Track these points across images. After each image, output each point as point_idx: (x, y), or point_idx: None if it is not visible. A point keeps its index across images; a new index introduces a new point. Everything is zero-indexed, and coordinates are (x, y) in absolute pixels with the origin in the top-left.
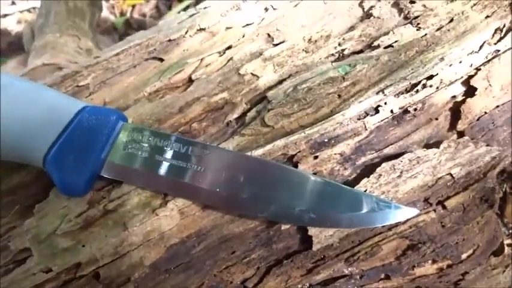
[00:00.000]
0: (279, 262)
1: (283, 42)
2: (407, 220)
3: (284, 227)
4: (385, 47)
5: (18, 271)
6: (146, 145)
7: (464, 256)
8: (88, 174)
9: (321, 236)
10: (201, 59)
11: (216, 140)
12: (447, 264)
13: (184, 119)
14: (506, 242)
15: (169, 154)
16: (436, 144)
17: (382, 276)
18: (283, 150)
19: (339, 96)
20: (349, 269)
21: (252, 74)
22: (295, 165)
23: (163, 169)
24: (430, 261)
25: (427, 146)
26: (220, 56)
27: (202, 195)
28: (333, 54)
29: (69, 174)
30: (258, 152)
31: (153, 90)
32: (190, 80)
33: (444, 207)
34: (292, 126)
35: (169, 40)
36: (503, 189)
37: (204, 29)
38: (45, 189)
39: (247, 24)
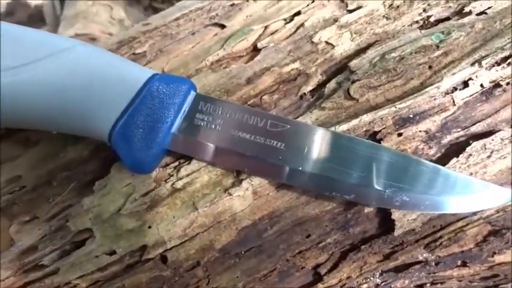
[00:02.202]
0: (355, 247)
1: (359, 8)
2: None
3: (368, 209)
4: (477, 14)
5: (79, 253)
6: (220, 118)
7: None
8: (158, 149)
9: (404, 220)
10: (266, 26)
11: (290, 113)
12: None
13: (253, 91)
14: None
15: (245, 128)
16: None
17: (459, 263)
18: (369, 126)
19: (430, 67)
20: (424, 255)
21: (326, 42)
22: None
23: (239, 145)
24: None
25: None
26: (287, 23)
27: (282, 174)
28: (417, 22)
29: (138, 149)
30: (342, 128)
31: (215, 59)
32: (255, 49)
33: None
34: (378, 99)
35: (232, 5)
36: None
37: None
38: (104, 165)
39: None
